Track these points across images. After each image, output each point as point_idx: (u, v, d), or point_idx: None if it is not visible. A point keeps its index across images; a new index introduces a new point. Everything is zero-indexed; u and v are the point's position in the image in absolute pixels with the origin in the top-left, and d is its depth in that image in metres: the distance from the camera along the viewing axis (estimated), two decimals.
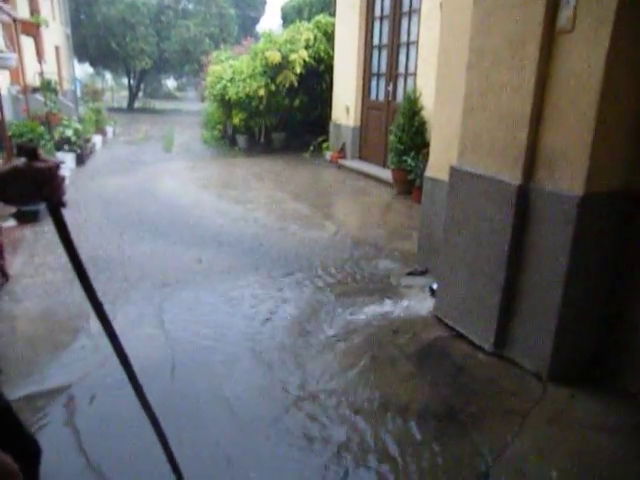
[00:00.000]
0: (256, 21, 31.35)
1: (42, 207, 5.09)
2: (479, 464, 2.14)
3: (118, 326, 1.43)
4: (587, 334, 2.72)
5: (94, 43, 21.14)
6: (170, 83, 37.52)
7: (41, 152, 1.05)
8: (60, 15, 17.52)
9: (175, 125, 16.15)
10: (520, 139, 2.63)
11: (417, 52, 7.44)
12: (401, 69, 8.17)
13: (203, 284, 3.95)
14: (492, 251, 2.85)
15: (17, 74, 9.50)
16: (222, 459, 2.14)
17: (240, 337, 3.15)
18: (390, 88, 8.43)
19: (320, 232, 5.44)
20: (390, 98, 8.45)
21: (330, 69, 10.20)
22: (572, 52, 2.38)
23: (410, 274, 4.17)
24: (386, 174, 7.91)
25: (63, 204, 1.14)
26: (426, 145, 6.02)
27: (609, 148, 2.41)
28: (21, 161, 1.03)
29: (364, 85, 9.20)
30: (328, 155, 9.95)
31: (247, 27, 28.82)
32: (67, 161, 8.00)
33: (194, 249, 4.73)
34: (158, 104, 25.03)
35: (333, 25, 10.18)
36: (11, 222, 5.21)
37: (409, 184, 6.97)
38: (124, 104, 24.11)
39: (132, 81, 24.49)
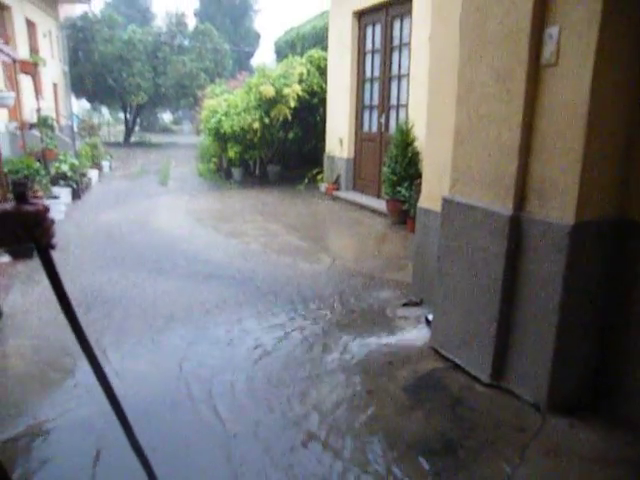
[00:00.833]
0: (250, 55, 32.09)
1: None
2: None
3: (114, 364, 1.42)
4: (585, 363, 2.70)
5: (91, 79, 21.48)
6: (166, 116, 37.95)
7: (29, 195, 1.07)
8: (59, 53, 17.83)
9: (171, 158, 16.26)
10: (510, 170, 2.66)
11: (408, 84, 7.58)
12: (393, 101, 8.31)
13: (203, 321, 3.92)
14: (486, 281, 2.85)
15: (15, 111, 9.62)
16: None
17: (237, 371, 3.11)
18: (382, 120, 8.56)
19: (316, 264, 5.44)
20: (383, 130, 8.56)
21: (323, 102, 10.35)
22: (558, 85, 2.43)
23: (405, 305, 4.15)
24: (381, 205, 7.97)
25: (52, 246, 1.14)
26: (419, 175, 6.06)
27: (598, 177, 2.43)
28: (10, 205, 1.04)
29: (357, 117, 9.32)
30: (323, 187, 10.01)
31: (242, 61, 29.49)
32: (63, 196, 8.02)
33: (190, 284, 4.72)
34: (154, 138, 25.26)
35: (325, 59, 10.38)
36: (5, 258, 5.19)
37: (403, 214, 7.01)
38: (121, 138, 24.34)
39: (128, 116, 24.76)
